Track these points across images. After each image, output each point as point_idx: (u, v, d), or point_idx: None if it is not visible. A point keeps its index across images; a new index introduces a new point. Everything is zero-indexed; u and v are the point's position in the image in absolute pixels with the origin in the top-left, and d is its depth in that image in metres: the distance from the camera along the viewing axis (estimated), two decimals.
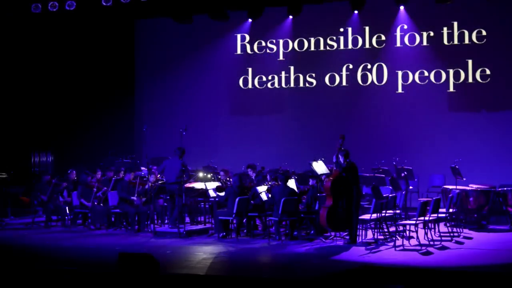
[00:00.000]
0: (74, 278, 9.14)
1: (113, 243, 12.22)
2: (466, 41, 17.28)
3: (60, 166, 17.45)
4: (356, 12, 17.55)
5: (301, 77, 18.75)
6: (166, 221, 13.89)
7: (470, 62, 17.22)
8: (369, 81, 18.12)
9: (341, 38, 18.29)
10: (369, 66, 18.10)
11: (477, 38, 17.15)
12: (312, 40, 18.58)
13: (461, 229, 13.01)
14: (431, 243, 11.73)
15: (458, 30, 17.33)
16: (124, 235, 13.23)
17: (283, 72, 18.96)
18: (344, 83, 18.36)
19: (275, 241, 12.21)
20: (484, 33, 17.08)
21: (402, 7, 17.42)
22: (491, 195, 13.73)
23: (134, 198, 13.57)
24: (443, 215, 12.59)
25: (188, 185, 13.69)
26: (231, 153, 18.86)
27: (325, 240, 12.22)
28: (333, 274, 9.44)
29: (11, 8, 16.40)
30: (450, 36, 17.42)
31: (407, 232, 12.28)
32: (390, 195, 12.56)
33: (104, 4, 15.77)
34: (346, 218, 11.91)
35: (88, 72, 18.85)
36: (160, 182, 13.87)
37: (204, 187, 13.38)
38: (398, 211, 12.95)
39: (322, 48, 18.54)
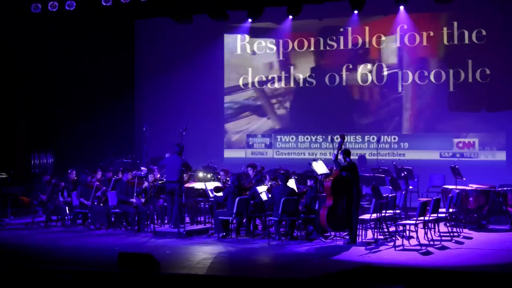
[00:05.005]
0: (74, 278, 9.14)
1: (113, 243, 12.21)
2: (466, 41, 17.29)
3: (60, 166, 17.45)
4: (356, 12, 17.55)
5: (301, 77, 18.77)
6: (166, 221, 13.88)
7: (470, 62, 17.23)
8: (369, 81, 18.14)
9: (341, 38, 18.30)
10: (369, 66, 18.11)
11: (477, 38, 17.15)
12: (312, 40, 18.59)
13: (461, 229, 13.00)
14: (431, 243, 11.73)
15: (458, 30, 17.33)
16: (124, 235, 13.22)
17: (283, 72, 18.98)
18: (344, 83, 18.37)
19: (275, 241, 12.21)
20: (484, 33, 17.08)
21: (402, 7, 17.42)
22: (491, 195, 13.73)
23: (133, 200, 13.55)
24: (443, 215, 12.58)
25: (188, 185, 13.69)
26: (231, 153, 18.93)
27: (325, 240, 12.22)
28: (333, 274, 9.44)
29: (11, 8, 16.40)
30: (450, 36, 17.43)
31: (407, 232, 12.28)
32: (390, 195, 12.55)
33: (104, 4, 15.76)
34: (346, 218, 11.91)
35: (88, 72, 18.84)
36: (160, 182, 13.87)
37: (204, 187, 13.39)
38: (398, 211, 12.95)
39: (322, 48, 18.55)
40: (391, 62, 17.97)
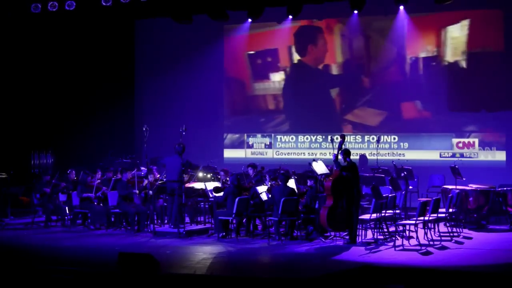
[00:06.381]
0: (74, 278, 9.14)
1: (113, 243, 12.21)
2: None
3: (60, 166, 17.45)
4: (356, 12, 17.55)
5: (301, 76, 18.80)
6: (166, 221, 13.88)
7: (470, 61, 17.26)
8: (369, 81, 18.15)
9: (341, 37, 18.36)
10: (369, 66, 18.13)
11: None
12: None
13: (461, 229, 13.01)
14: (431, 243, 11.73)
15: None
16: (124, 235, 13.23)
17: (283, 72, 18.99)
18: (343, 84, 18.40)
19: (275, 241, 12.21)
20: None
21: (402, 7, 17.42)
22: (490, 195, 13.73)
23: (136, 191, 13.58)
24: (443, 215, 12.59)
25: (188, 185, 13.69)
26: (231, 153, 18.93)
27: (325, 240, 12.22)
28: (333, 274, 9.44)
29: (11, 8, 16.40)
30: (450, 36, 17.44)
31: (407, 232, 12.29)
32: (390, 195, 12.55)
33: (104, 4, 15.76)
34: (346, 218, 11.91)
35: (88, 72, 18.85)
36: (160, 182, 13.87)
37: (204, 187, 13.39)
38: (398, 211, 12.96)
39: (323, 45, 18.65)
40: (391, 62, 18.01)
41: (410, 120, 17.88)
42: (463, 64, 17.40)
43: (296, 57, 18.95)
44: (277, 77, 19.20)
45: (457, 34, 17.39)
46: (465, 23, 17.30)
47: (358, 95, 18.41)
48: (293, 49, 18.99)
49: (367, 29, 18.20)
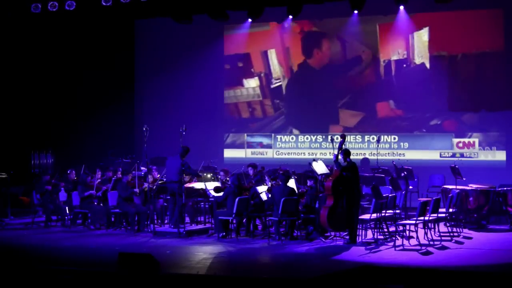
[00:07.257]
0: (74, 278, 9.14)
1: (113, 243, 12.22)
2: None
3: (60, 166, 17.47)
4: (356, 12, 17.55)
5: (301, 76, 18.79)
6: (166, 221, 13.89)
7: (470, 61, 17.26)
8: (369, 81, 18.15)
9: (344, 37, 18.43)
10: (369, 66, 18.12)
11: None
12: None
13: (461, 229, 13.00)
14: (431, 243, 11.73)
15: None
16: (124, 235, 13.23)
17: (283, 71, 18.98)
18: (343, 83, 18.40)
19: (275, 241, 12.21)
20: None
21: (402, 7, 17.42)
22: (491, 195, 13.73)
23: (137, 190, 13.58)
24: (443, 215, 12.59)
25: (188, 185, 13.70)
26: (231, 153, 18.91)
27: (325, 240, 12.22)
28: (333, 274, 9.44)
29: (11, 8, 16.41)
30: (451, 36, 17.44)
31: (407, 232, 12.28)
32: (390, 195, 12.55)
33: (104, 4, 15.78)
34: (346, 218, 11.91)
35: (88, 72, 18.84)
36: (160, 182, 13.86)
37: (204, 187, 13.39)
38: (398, 211, 12.95)
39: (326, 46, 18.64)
40: (391, 62, 17.99)
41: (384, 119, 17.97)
42: (464, 63, 17.39)
43: (274, 60, 18.95)
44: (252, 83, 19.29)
45: (457, 34, 17.38)
46: (466, 23, 17.30)
47: (338, 98, 18.46)
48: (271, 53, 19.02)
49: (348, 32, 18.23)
